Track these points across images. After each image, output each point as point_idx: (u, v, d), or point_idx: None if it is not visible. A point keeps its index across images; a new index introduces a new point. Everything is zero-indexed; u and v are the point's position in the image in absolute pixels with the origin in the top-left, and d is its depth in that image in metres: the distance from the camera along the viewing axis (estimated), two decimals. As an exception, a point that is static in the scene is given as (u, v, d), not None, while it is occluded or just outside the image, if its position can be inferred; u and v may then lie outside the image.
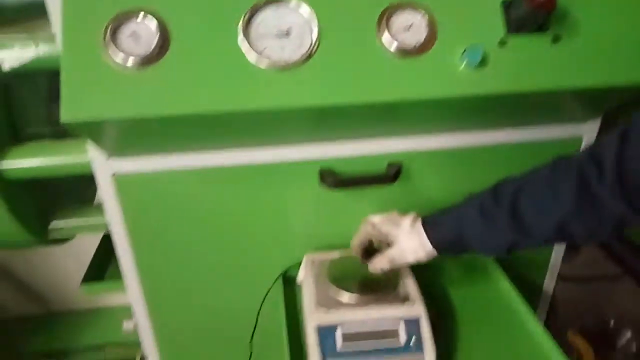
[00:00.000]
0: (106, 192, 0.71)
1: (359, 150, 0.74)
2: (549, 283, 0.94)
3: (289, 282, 0.82)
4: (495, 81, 0.60)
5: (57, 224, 0.84)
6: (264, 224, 0.79)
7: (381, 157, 0.74)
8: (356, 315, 0.66)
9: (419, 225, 0.64)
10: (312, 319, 0.66)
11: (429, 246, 0.63)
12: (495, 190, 0.60)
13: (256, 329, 0.84)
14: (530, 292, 0.95)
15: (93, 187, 0.73)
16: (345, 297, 0.68)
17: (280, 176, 0.74)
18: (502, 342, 0.72)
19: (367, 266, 0.71)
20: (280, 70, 0.57)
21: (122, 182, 0.70)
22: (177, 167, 0.71)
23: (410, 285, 0.71)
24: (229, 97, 0.57)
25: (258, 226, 0.79)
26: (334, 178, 0.73)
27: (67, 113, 0.53)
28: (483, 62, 0.59)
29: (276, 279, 0.81)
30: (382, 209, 0.80)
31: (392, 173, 0.74)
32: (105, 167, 0.69)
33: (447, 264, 0.86)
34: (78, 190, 0.95)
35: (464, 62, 0.59)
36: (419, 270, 0.84)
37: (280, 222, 0.79)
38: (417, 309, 0.67)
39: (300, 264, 0.80)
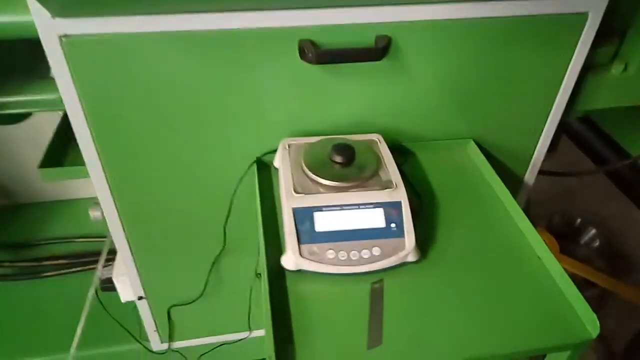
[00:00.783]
0: (54, 58, 0.62)
1: (343, 19, 0.65)
2: (530, 177, 0.93)
3: (264, 168, 0.77)
4: None
5: (5, 99, 0.76)
6: (237, 103, 0.72)
7: (368, 28, 0.67)
8: (334, 199, 0.63)
9: None
10: (289, 202, 0.62)
11: None
12: None
13: (230, 216, 0.81)
14: (509, 185, 0.94)
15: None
16: (323, 182, 0.64)
17: (255, 47, 0.66)
18: (482, 227, 0.71)
19: (346, 152, 0.66)
20: None
21: (73, 47, 0.61)
22: (137, 30, 0.62)
23: (391, 170, 0.67)
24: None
25: (230, 105, 0.72)
26: (315, 51, 0.65)
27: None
28: None
29: (251, 165, 0.77)
30: (367, 89, 0.74)
31: (381, 47, 0.66)
32: (50, 27, 0.59)
33: (431, 151, 0.82)
34: (31, 64, 0.85)
35: None
36: (400, 155, 0.81)
37: (255, 101, 0.73)
38: (398, 193, 0.64)
39: (274, 150, 0.75)
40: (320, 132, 0.77)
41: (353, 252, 0.61)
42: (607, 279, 1.37)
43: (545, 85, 0.80)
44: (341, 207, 0.63)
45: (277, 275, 0.61)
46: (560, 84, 0.80)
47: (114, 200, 0.79)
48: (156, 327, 1.02)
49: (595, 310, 0.58)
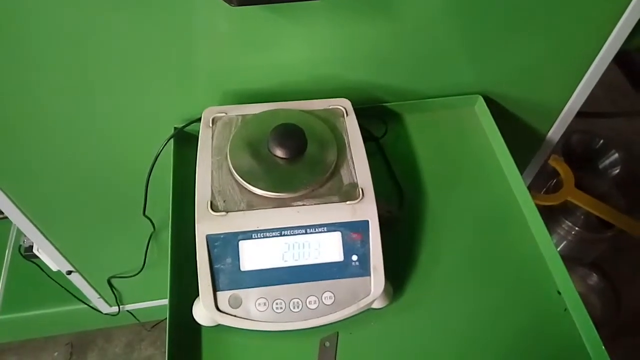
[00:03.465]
0: None
1: None
2: (555, 134, 0.70)
3: (188, 142, 0.56)
4: None
5: None
6: (149, 56, 0.49)
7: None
8: (270, 219, 0.43)
9: None
10: (202, 225, 0.42)
11: None
12: None
13: (157, 192, 0.61)
14: (529, 145, 0.73)
15: None
16: (256, 192, 0.44)
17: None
18: (482, 233, 0.51)
19: (291, 141, 0.45)
20: None
21: None
22: None
23: (358, 166, 0.46)
24: None
25: (140, 59, 0.49)
26: (236, -16, 0.40)
27: None
28: None
29: (168, 139, 0.55)
30: (331, 31, 0.50)
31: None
32: None
33: (424, 113, 0.60)
34: None
35: None
36: (381, 122, 0.58)
37: (170, 55, 0.49)
38: (366, 208, 0.43)
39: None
40: (266, 93, 0.54)
41: (294, 300, 0.42)
42: (624, 219, 1.20)
43: (600, 17, 0.54)
44: (280, 231, 0.43)
45: (189, 327, 0.44)
46: (623, 12, 0.54)
47: (3, 191, 0.59)
48: (99, 294, 0.89)
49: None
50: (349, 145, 0.48)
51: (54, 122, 0.54)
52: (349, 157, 0.47)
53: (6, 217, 0.66)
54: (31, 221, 0.67)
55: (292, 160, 0.45)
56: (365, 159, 0.47)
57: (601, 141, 1.45)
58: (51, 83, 0.50)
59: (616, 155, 1.42)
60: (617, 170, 1.41)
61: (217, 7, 0.44)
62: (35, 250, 0.79)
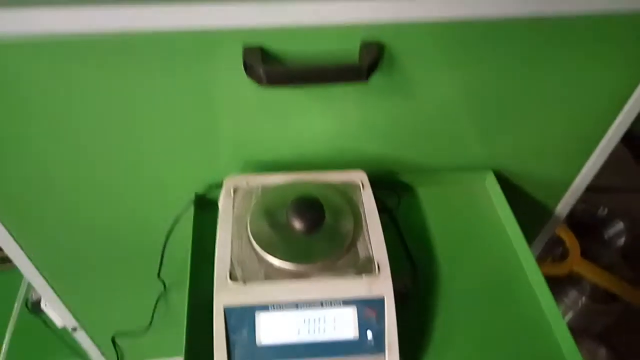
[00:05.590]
0: None
1: (308, 16, 0.42)
2: (563, 209, 0.72)
3: (208, 208, 0.57)
4: None
5: None
6: (173, 124, 0.51)
7: (348, 31, 0.43)
8: (288, 292, 0.43)
9: None
10: (220, 295, 0.43)
11: None
12: None
13: (172, 251, 0.62)
14: (536, 219, 0.74)
15: None
16: (275, 263, 0.45)
17: (183, 54, 0.44)
18: (496, 310, 0.52)
19: (310, 214, 0.46)
20: None
21: None
22: (31, 31, 0.40)
23: (374, 240, 0.47)
24: None
25: (165, 126, 0.51)
26: (266, 69, 0.43)
27: None
28: None
29: (188, 205, 0.56)
30: (348, 112, 0.52)
31: (367, 64, 0.43)
32: None
33: (436, 186, 0.61)
34: None
35: None
36: (394, 194, 0.60)
37: (195, 123, 0.51)
38: (381, 284, 0.44)
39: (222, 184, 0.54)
40: (285, 163, 0.56)
41: (308, 376, 0.42)
42: (631, 291, 1.19)
43: (608, 100, 0.57)
44: (297, 304, 0.43)
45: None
46: (629, 97, 0.57)
47: (16, 241, 0.60)
48: (102, 352, 0.87)
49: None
50: (365, 219, 0.49)
51: (74, 182, 0.56)
52: (365, 230, 0.48)
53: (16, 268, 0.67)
54: (42, 276, 0.67)
55: (310, 232, 0.46)
56: (381, 233, 0.48)
57: (606, 210, 1.46)
58: (72, 146, 0.52)
59: (621, 225, 1.42)
60: (623, 241, 1.41)
61: (244, 82, 0.46)
62: (42, 305, 0.78)
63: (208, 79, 0.46)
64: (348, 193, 0.51)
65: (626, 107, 0.57)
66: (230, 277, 0.44)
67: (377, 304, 0.44)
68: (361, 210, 0.50)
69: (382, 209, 0.57)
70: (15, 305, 0.82)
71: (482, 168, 0.62)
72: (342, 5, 0.42)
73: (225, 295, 0.43)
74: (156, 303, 0.71)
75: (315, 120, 0.53)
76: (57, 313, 0.75)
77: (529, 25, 0.46)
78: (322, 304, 0.43)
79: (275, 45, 0.43)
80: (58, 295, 0.72)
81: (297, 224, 0.46)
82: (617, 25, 0.48)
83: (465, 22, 0.44)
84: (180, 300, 0.71)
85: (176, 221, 0.56)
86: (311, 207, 0.47)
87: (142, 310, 0.73)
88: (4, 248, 0.63)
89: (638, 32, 0.49)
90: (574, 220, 1.43)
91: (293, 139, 0.55)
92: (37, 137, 0.49)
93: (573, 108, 0.57)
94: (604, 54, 0.50)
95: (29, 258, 0.64)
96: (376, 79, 0.47)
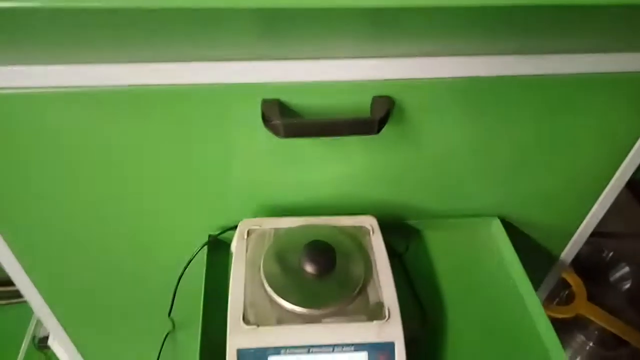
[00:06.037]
0: None
1: (322, 74, 0.45)
2: (569, 254, 0.73)
3: (221, 250, 0.59)
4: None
5: None
6: (188, 168, 0.53)
7: (361, 87, 0.46)
8: (301, 335, 0.44)
9: None
10: (234, 338, 0.44)
11: None
12: None
13: (185, 292, 0.63)
14: (542, 264, 0.75)
15: None
16: (287, 307, 0.46)
17: (201, 107, 0.47)
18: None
19: (322, 259, 0.47)
20: None
21: None
22: (49, 84, 0.43)
23: (384, 285, 0.48)
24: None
25: (180, 170, 0.53)
26: (283, 122, 0.45)
27: None
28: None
29: (202, 246, 0.58)
30: (359, 160, 0.55)
31: (379, 118, 0.46)
32: None
33: (443, 231, 0.63)
34: None
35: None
36: (402, 239, 0.61)
37: (207, 169, 0.53)
38: (392, 329, 0.45)
39: (235, 227, 0.56)
40: (297, 207, 0.58)
41: (319, 421, 0.43)
42: (638, 336, 1.18)
43: (611, 151, 0.59)
44: (308, 349, 0.44)
45: None
46: (631, 149, 0.59)
47: (27, 275, 0.62)
48: (105, 391, 0.87)
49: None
50: (376, 264, 0.50)
51: (88, 223, 0.57)
52: (375, 275, 0.50)
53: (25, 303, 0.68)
54: (52, 311, 0.68)
55: (322, 276, 0.48)
56: (392, 278, 0.49)
57: (611, 254, 1.46)
58: (88, 190, 0.53)
59: (627, 269, 1.42)
60: (629, 285, 1.41)
61: (260, 133, 0.48)
62: (49, 341, 0.79)
63: (226, 129, 0.49)
64: (359, 238, 0.53)
65: (630, 154, 0.60)
66: (244, 320, 0.45)
67: (387, 349, 0.45)
68: (371, 255, 0.51)
69: (391, 253, 0.58)
70: (24, 340, 0.82)
71: (489, 214, 0.63)
72: (353, 63, 0.45)
73: (239, 338, 0.44)
74: (164, 341, 0.72)
75: (327, 167, 0.55)
76: (64, 349, 0.76)
77: (532, 81, 0.49)
78: (333, 348, 0.44)
79: (292, 99, 0.46)
80: (66, 332, 0.72)
81: (309, 268, 0.48)
82: (617, 83, 0.51)
83: (471, 80, 0.47)
84: (188, 341, 0.72)
85: (189, 263, 0.58)
86: (323, 251, 0.48)
87: (149, 350, 0.74)
88: (15, 281, 0.64)
89: (637, 88, 0.52)
90: (579, 262, 1.43)
91: (305, 184, 0.57)
92: (53, 180, 0.51)
93: (577, 157, 0.59)
94: (607, 107, 0.53)
95: (40, 293, 0.66)
96: (387, 129, 0.49)
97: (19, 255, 0.59)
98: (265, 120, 0.46)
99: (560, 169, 0.60)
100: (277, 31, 0.39)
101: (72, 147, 0.49)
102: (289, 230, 0.53)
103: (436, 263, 0.61)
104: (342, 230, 0.53)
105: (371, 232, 0.54)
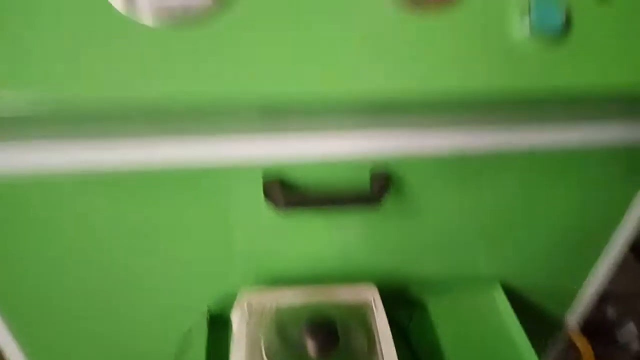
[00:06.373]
0: None
1: (321, 150, 0.46)
2: (572, 318, 0.71)
3: (221, 324, 0.57)
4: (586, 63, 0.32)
5: None
6: (187, 240, 0.53)
7: (358, 163, 0.47)
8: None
9: None
10: None
11: None
12: None
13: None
14: (545, 328, 0.74)
15: None
16: (289, 387, 0.44)
17: (201, 185, 0.47)
18: None
19: (324, 337, 0.46)
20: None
21: None
22: (45, 167, 0.43)
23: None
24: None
25: (179, 242, 0.53)
26: (285, 195, 0.45)
27: None
28: (566, 28, 0.31)
29: (201, 319, 0.57)
30: (358, 231, 0.55)
31: (377, 191, 0.46)
32: None
33: (445, 298, 0.62)
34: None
35: (528, 27, 0.31)
36: (405, 310, 0.60)
37: (208, 240, 0.53)
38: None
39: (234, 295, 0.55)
40: (298, 275, 0.57)
41: None
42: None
43: (609, 212, 0.59)
44: None
45: None
46: (624, 214, 0.60)
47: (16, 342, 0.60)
48: None
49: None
50: (379, 339, 0.49)
51: (83, 292, 0.56)
52: (378, 351, 0.48)
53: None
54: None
55: (324, 354, 0.46)
56: (395, 355, 0.48)
57: (616, 313, 1.44)
58: (85, 260, 0.52)
59: (633, 327, 1.39)
60: (637, 344, 1.37)
61: (262, 207, 0.49)
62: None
63: (227, 204, 0.49)
64: (361, 312, 0.52)
65: (627, 217, 0.60)
66: (244, 404, 0.43)
67: None
68: (374, 331, 0.50)
69: (394, 325, 0.57)
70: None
71: (490, 279, 0.63)
72: (350, 141, 0.45)
73: None
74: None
75: (327, 237, 0.55)
76: None
77: (526, 155, 0.50)
78: None
79: (293, 174, 0.47)
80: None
81: (312, 347, 0.46)
82: (612, 153, 0.52)
83: (465, 154, 0.48)
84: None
85: (188, 334, 0.56)
86: (325, 329, 0.47)
87: None
88: (1, 346, 0.62)
89: (629, 159, 0.53)
90: (584, 323, 1.40)
91: (305, 254, 0.56)
92: (51, 252, 0.51)
93: (575, 222, 0.59)
94: (601, 176, 0.54)
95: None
96: (386, 202, 0.49)
97: (8, 320, 0.58)
98: (267, 195, 0.46)
99: (558, 234, 0.60)
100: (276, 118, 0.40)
101: (69, 225, 0.49)
102: (290, 307, 0.52)
103: (438, 332, 0.59)
104: (344, 305, 0.52)
105: (374, 306, 0.53)
